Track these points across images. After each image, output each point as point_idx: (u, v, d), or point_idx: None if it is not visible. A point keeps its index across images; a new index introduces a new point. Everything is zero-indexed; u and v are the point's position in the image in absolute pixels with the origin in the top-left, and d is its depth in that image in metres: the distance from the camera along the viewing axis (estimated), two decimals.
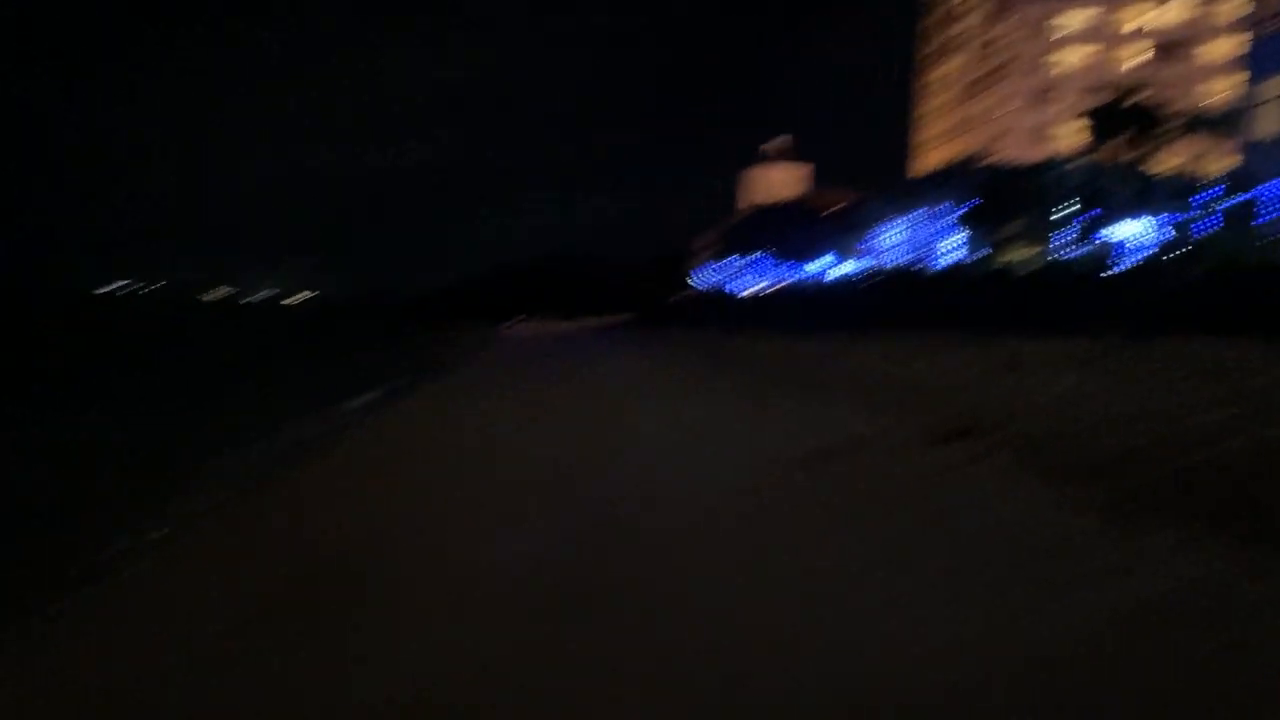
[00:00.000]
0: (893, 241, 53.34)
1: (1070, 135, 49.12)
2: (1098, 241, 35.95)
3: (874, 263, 54.18)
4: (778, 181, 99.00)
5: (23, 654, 6.13)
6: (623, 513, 9.12)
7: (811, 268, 63.99)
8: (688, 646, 5.53)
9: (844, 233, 58.97)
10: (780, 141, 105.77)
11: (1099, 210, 36.14)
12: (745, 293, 72.68)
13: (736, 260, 76.79)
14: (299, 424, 19.20)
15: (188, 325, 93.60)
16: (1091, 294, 27.46)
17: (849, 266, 58.37)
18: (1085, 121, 40.53)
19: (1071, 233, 37.34)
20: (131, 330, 76.75)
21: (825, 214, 64.67)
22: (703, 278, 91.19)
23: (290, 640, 6.10)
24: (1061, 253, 37.25)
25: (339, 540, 8.76)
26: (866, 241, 56.40)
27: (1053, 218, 37.87)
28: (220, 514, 10.55)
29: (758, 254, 71.83)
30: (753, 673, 5.12)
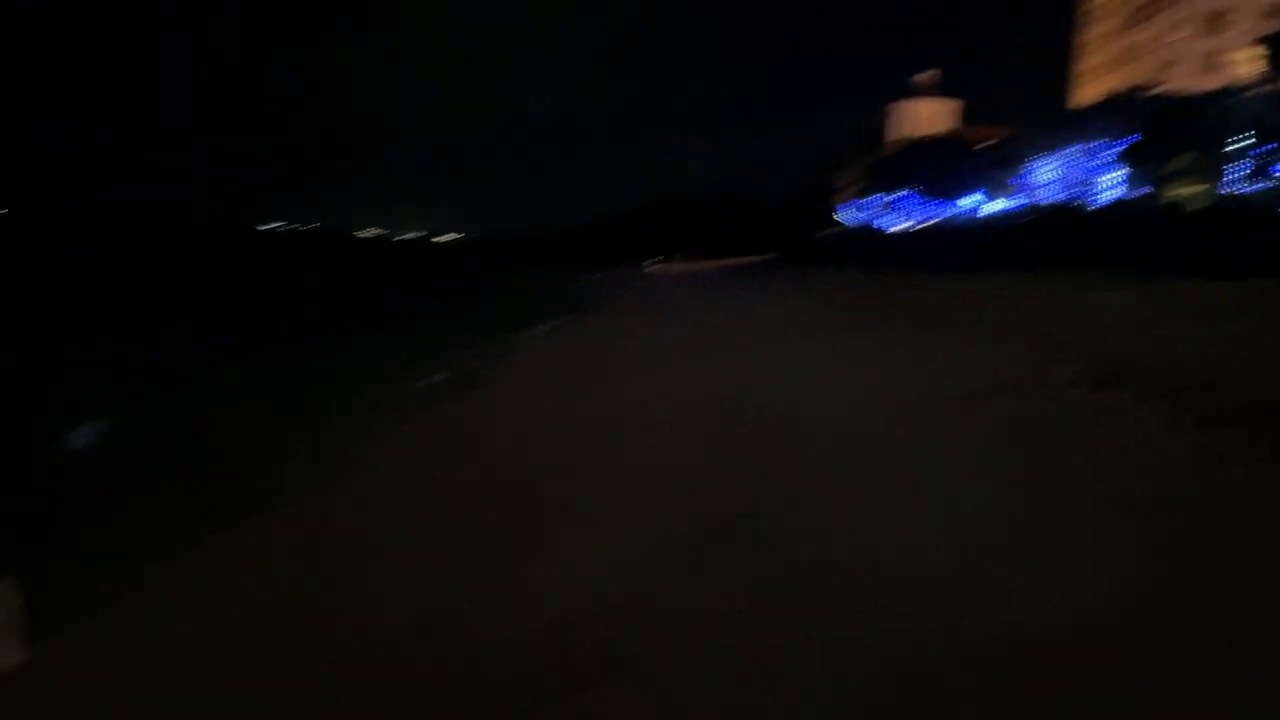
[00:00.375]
0: (1048, 178, 51.02)
1: (1245, 63, 45.68)
2: (1276, 176, 33.67)
3: (1028, 200, 52.07)
4: (926, 116, 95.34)
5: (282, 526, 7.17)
6: (778, 442, 9.48)
7: (962, 205, 61.96)
8: (838, 570, 5.77)
9: (996, 168, 56.67)
10: (929, 75, 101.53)
11: (1276, 144, 33.76)
12: (893, 230, 71.02)
13: (883, 197, 74.94)
14: (467, 353, 20.51)
15: (343, 261, 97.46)
16: (1266, 234, 25.88)
17: (1001, 204, 56.25)
18: (1262, 49, 37.73)
19: (1245, 168, 35.01)
20: (299, 264, 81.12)
21: (977, 149, 62.24)
22: (848, 215, 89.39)
23: (474, 542, 6.82)
24: (1234, 189, 35.05)
25: (515, 454, 9.70)
26: (1020, 178, 54.10)
27: (1224, 152, 35.56)
28: (416, 426, 11.71)
29: (905, 191, 69.91)
30: (896, 598, 5.34)
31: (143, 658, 5.18)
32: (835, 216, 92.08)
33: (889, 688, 4.27)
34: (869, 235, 74.15)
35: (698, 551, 6.28)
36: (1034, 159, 52.29)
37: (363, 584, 6.18)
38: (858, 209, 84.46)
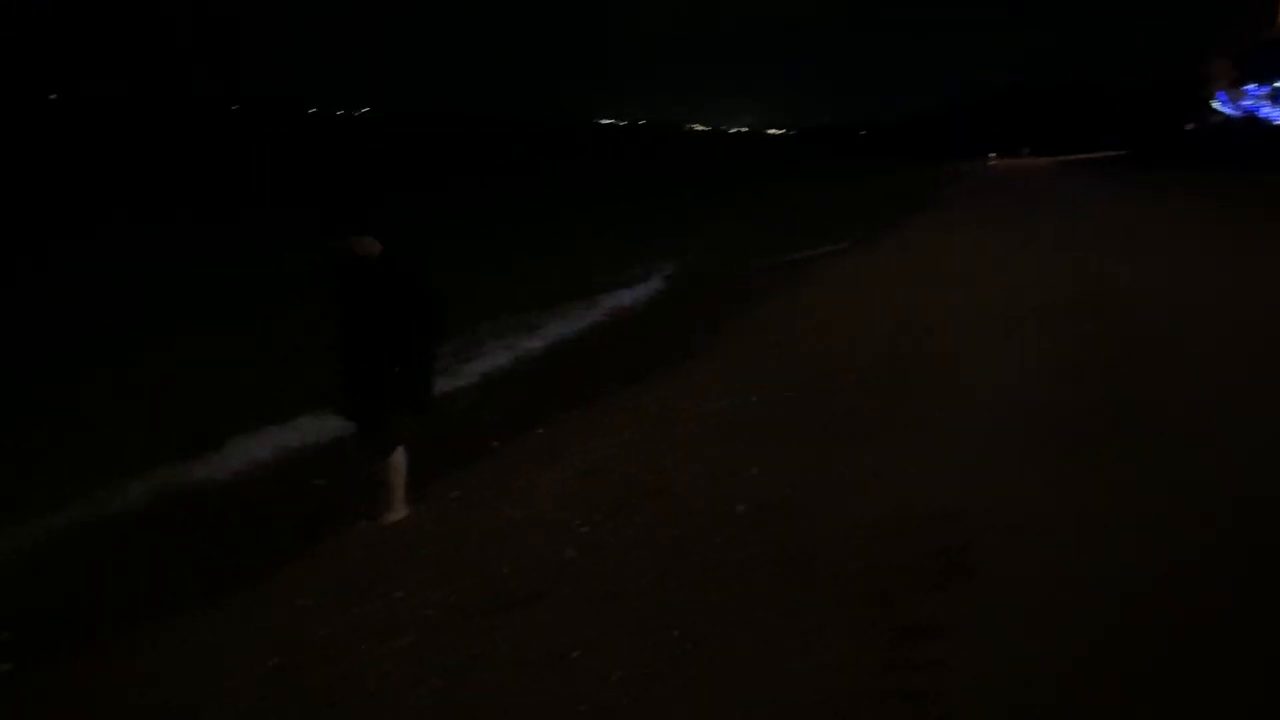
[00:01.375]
0: None
1: None
2: None
3: None
4: None
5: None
6: (1145, 345, 8.50)
7: None
8: (1214, 490, 4.88)
9: None
10: None
11: None
12: None
13: (1273, 85, 64.98)
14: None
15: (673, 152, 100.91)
16: None
17: None
18: None
19: None
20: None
21: None
22: (1226, 105, 78.24)
23: (824, 428, 6.49)
24: None
25: (872, 343, 9.30)
26: None
27: None
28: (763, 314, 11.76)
29: None
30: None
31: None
32: (1214, 105, 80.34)
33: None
34: (1249, 130, 64.70)
35: (1050, 460, 5.56)
36: None
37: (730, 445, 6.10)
38: (1237, 100, 73.75)
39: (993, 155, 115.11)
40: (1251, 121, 66.67)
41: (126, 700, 3.60)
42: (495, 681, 3.45)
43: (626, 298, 15.17)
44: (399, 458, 5.06)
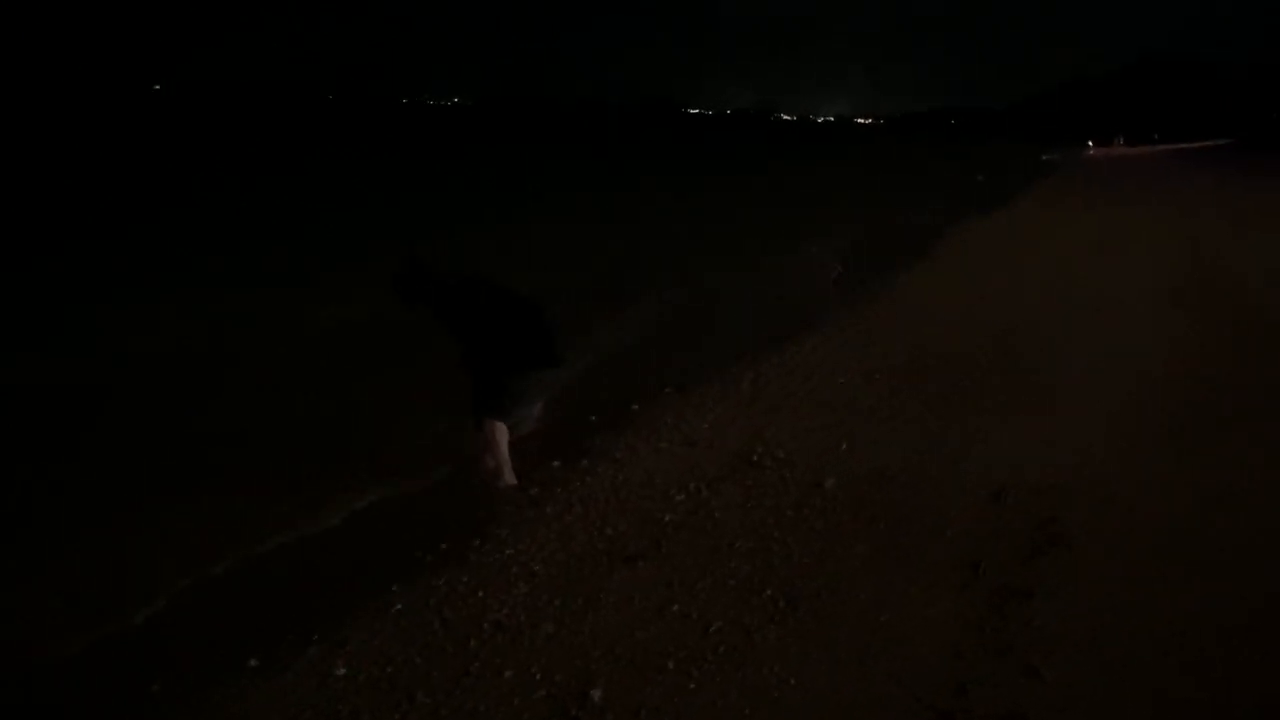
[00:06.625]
0: None
1: None
2: None
3: None
4: None
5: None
6: (1255, 329, 8.61)
7: None
8: None
9: None
10: None
11: None
12: None
13: None
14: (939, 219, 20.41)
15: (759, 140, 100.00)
16: None
17: None
18: None
19: None
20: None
21: None
22: None
23: (937, 399, 6.76)
24: None
25: (989, 318, 9.54)
26: None
27: None
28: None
29: None
30: None
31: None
32: None
33: None
34: None
35: (1156, 439, 5.75)
36: None
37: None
38: None
39: (1091, 144, 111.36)
40: None
41: None
42: (602, 627, 3.75)
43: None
44: (501, 429, 5.42)
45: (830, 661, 3.43)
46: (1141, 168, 53.23)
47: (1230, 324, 9.08)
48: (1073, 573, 4.01)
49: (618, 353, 8.91)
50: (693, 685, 3.32)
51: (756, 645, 3.56)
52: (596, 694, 3.27)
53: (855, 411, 6.55)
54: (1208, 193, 29.81)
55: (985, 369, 7.60)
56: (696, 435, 6.19)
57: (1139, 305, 10.12)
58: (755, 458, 5.67)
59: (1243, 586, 3.86)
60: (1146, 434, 5.86)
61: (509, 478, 5.46)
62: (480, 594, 4.08)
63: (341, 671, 3.50)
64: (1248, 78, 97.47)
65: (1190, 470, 5.20)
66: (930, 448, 5.76)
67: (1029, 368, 7.64)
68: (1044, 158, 65.38)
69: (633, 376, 8.06)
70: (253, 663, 3.64)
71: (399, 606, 4.02)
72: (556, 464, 5.80)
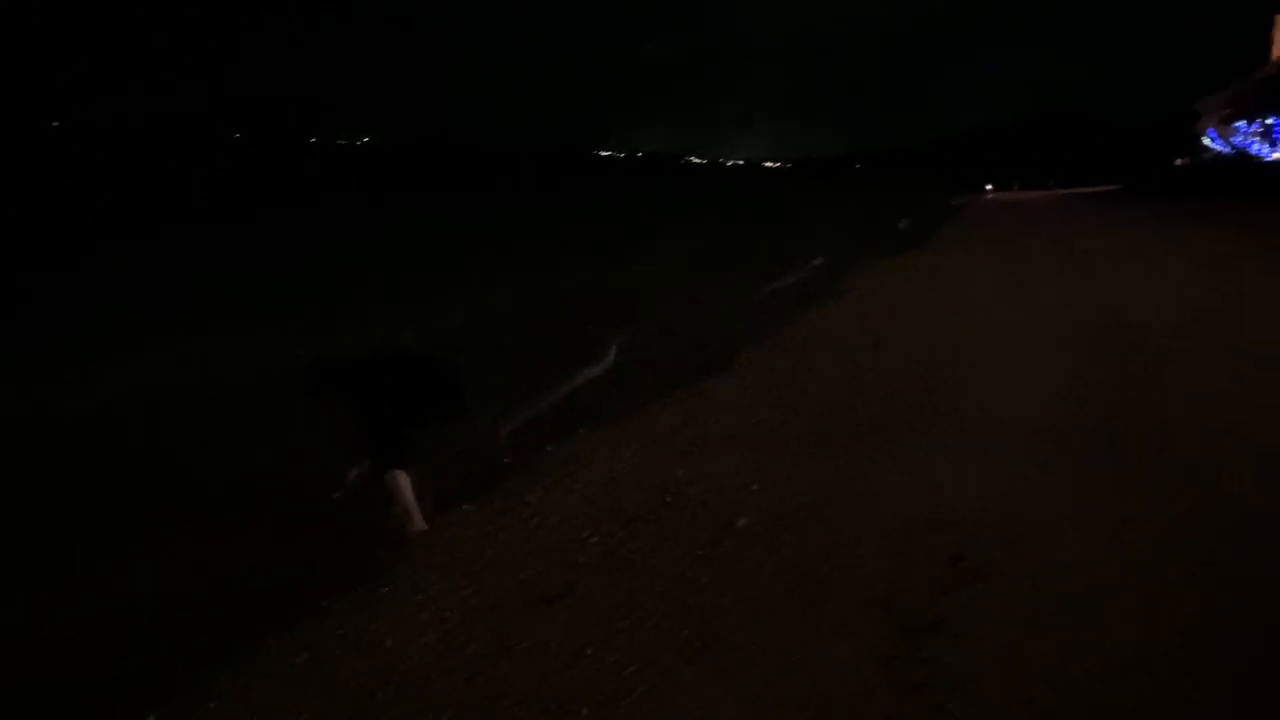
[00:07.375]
0: None
1: None
2: None
3: None
4: None
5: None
6: (1150, 365, 8.91)
7: None
8: (1214, 505, 5.16)
9: None
10: None
11: None
12: (1276, 158, 62.15)
13: (1263, 122, 65.60)
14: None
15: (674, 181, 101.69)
16: None
17: None
18: None
19: None
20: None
21: None
22: (1216, 142, 79.01)
23: (849, 436, 6.82)
24: None
25: (898, 357, 9.55)
26: None
27: None
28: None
29: None
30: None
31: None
32: (1204, 141, 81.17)
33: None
34: (1243, 164, 65.33)
35: (1063, 471, 5.89)
36: None
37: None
38: (1229, 135, 74.48)
39: (990, 187, 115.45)
40: (1243, 157, 67.40)
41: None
42: (515, 673, 3.66)
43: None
44: (403, 477, 5.35)
45: (746, 702, 3.40)
46: (1041, 209, 55.46)
47: (1121, 354, 9.51)
48: (982, 609, 4.05)
49: (531, 394, 8.84)
50: None
51: (673, 687, 3.52)
52: None
53: (768, 450, 6.59)
54: (1099, 231, 31.16)
55: (897, 406, 7.74)
56: (610, 476, 6.17)
57: (1042, 339, 10.54)
58: (669, 498, 5.66)
59: (1150, 618, 3.93)
60: (1053, 464, 6.01)
61: (419, 523, 5.36)
62: (388, 642, 3.96)
63: None
64: (1135, 128, 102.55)
65: (1091, 499, 5.34)
66: (842, 484, 5.83)
67: (939, 404, 7.79)
68: (952, 202, 67.80)
69: (546, 418, 8.03)
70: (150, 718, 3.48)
71: (304, 656, 3.89)
72: (468, 507, 5.70)
